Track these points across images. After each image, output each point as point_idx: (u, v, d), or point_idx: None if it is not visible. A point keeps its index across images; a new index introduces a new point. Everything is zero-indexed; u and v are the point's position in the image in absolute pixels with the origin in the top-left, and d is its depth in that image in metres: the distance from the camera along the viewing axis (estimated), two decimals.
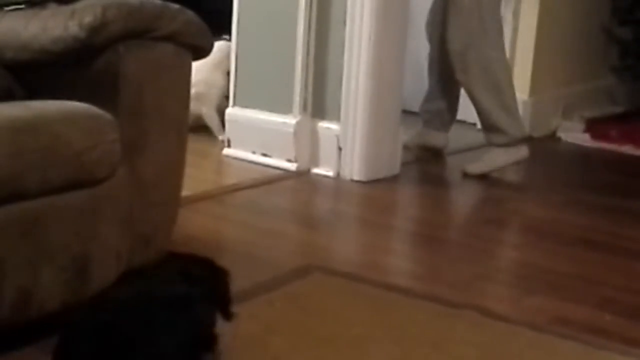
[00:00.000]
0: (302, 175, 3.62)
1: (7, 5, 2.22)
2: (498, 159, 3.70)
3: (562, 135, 4.59)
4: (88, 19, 2.06)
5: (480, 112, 3.73)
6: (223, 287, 1.90)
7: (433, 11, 3.95)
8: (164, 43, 2.18)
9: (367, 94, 3.54)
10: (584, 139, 4.47)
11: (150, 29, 2.14)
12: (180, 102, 2.31)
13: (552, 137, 4.60)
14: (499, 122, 3.66)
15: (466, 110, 4.73)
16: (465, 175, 3.70)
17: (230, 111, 3.82)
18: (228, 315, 1.89)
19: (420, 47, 4.43)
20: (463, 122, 4.77)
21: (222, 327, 1.86)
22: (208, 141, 3.95)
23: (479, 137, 4.54)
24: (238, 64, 3.81)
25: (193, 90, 3.55)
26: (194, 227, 2.86)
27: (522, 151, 3.71)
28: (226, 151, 3.78)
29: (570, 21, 4.60)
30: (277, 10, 3.67)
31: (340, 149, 3.60)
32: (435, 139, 4.09)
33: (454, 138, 4.45)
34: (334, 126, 3.60)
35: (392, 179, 3.67)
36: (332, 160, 3.61)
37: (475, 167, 3.72)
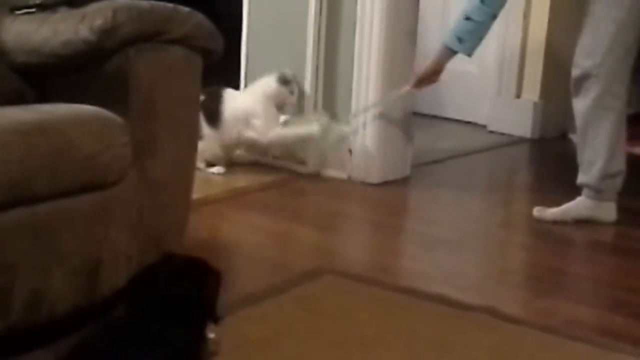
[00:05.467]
0: (313, 177, 3.62)
1: (19, 9, 2.23)
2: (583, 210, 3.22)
3: (573, 136, 4.57)
4: (98, 22, 2.06)
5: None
6: (209, 292, 1.87)
7: None
8: (174, 46, 2.18)
9: (378, 96, 3.54)
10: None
11: (161, 32, 2.14)
12: (191, 105, 2.31)
13: (563, 138, 4.59)
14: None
15: (476, 111, 4.75)
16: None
17: None
18: (215, 320, 1.87)
19: (429, 49, 4.43)
20: (474, 124, 4.78)
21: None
22: None
23: (489, 139, 4.55)
24: (248, 67, 3.81)
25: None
26: (205, 230, 2.86)
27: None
28: (237, 152, 3.78)
29: (580, 22, 4.58)
30: (288, 13, 3.68)
31: (350, 151, 3.60)
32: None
33: (465, 140, 4.46)
34: (344, 128, 3.60)
35: (403, 181, 3.67)
36: (343, 162, 3.61)
37: (550, 214, 3.23)
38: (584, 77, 3.10)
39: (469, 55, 3.32)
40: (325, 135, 3.58)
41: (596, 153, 3.14)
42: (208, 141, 3.52)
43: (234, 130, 3.58)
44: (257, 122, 3.57)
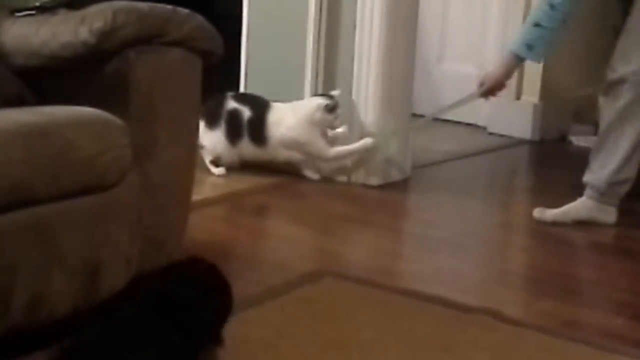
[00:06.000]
0: (314, 179, 3.61)
1: (18, 11, 2.23)
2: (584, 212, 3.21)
3: (573, 138, 4.58)
4: (98, 24, 2.06)
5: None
6: (213, 311, 1.85)
7: None
8: (174, 48, 2.18)
9: (377, 98, 3.54)
10: (595, 142, 4.45)
11: (160, 34, 2.14)
12: (190, 107, 2.31)
13: (563, 140, 4.60)
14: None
15: (476, 113, 4.74)
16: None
17: None
18: (216, 341, 1.82)
19: (428, 51, 4.44)
20: (474, 125, 4.77)
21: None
22: None
23: (489, 141, 4.55)
24: (248, 68, 3.82)
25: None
26: (205, 232, 2.86)
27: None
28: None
29: (580, 23, 4.57)
30: (288, 14, 3.68)
31: None
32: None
33: (465, 142, 4.46)
34: (344, 130, 3.59)
35: (403, 183, 3.66)
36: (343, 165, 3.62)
37: (550, 215, 3.23)
38: (620, 82, 3.07)
39: (539, 61, 3.25)
40: (382, 139, 3.54)
41: (611, 157, 3.12)
42: (229, 150, 3.57)
43: (282, 154, 3.57)
44: (310, 149, 3.55)
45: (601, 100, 3.15)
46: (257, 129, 3.54)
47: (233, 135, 3.55)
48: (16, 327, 1.85)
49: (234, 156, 3.59)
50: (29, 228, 1.83)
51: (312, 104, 3.52)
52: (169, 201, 2.24)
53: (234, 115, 3.54)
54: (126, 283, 2.08)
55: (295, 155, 3.57)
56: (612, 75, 3.10)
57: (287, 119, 3.55)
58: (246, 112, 3.54)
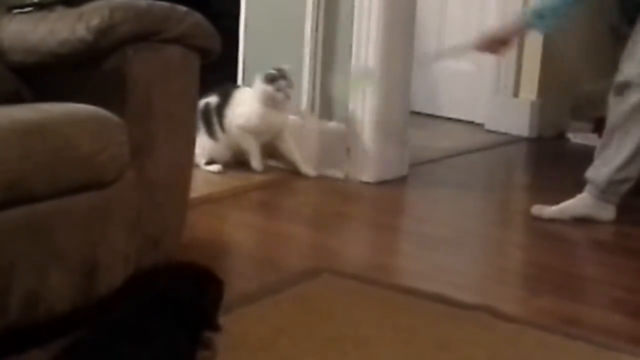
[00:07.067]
0: (310, 176, 3.61)
1: (16, 8, 2.23)
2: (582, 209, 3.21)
3: (571, 135, 4.59)
4: (95, 21, 2.06)
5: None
6: (211, 299, 1.88)
7: None
8: (171, 45, 2.18)
9: (375, 95, 3.54)
10: (593, 139, 4.45)
11: (158, 32, 2.14)
12: (188, 104, 2.31)
13: (561, 137, 4.60)
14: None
15: (473, 110, 4.75)
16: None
17: None
18: (214, 328, 1.88)
19: (427, 48, 4.44)
20: (472, 123, 4.78)
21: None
22: None
23: (487, 138, 4.55)
24: (246, 65, 3.81)
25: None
26: (203, 229, 2.86)
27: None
28: None
29: (578, 21, 4.58)
30: (285, 11, 3.68)
31: (348, 150, 3.60)
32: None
33: (462, 139, 4.46)
34: (341, 127, 3.60)
35: (401, 180, 3.66)
36: (340, 161, 3.61)
37: (548, 212, 3.23)
38: (626, 84, 3.07)
39: (544, 32, 3.15)
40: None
41: (615, 155, 3.12)
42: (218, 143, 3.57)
43: (238, 140, 3.59)
44: (261, 128, 3.56)
45: (610, 99, 3.16)
46: (218, 120, 3.57)
47: (210, 130, 3.55)
48: (14, 324, 1.85)
49: (222, 150, 3.58)
50: (26, 226, 1.83)
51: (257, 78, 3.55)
52: (166, 199, 2.24)
53: (206, 110, 3.55)
54: (124, 281, 2.08)
55: (248, 141, 3.58)
56: (619, 78, 3.11)
57: (241, 105, 3.58)
58: (213, 103, 3.56)
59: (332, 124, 3.63)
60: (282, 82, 3.51)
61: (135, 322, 1.75)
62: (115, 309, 1.86)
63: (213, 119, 3.55)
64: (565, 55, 4.62)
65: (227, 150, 3.60)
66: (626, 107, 3.08)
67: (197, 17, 2.23)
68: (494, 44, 3.23)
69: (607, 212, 3.16)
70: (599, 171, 3.15)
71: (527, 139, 4.57)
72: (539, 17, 3.12)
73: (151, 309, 1.77)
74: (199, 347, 1.83)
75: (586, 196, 3.18)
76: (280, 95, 3.52)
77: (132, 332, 1.72)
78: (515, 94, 4.64)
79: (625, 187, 3.15)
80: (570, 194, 3.21)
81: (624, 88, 3.08)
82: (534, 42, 4.48)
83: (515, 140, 4.54)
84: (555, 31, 3.16)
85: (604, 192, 3.15)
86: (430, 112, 4.86)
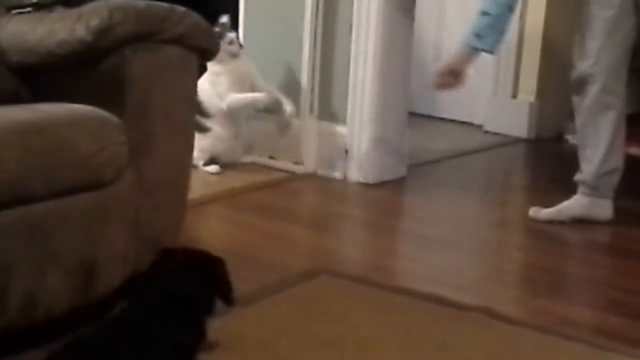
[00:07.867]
0: (309, 177, 3.62)
1: (15, 8, 2.23)
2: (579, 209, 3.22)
3: (569, 137, 4.59)
4: (94, 21, 2.06)
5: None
6: (220, 276, 1.90)
7: None
8: (170, 46, 2.18)
9: (374, 96, 3.54)
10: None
11: (157, 32, 2.14)
12: (187, 104, 2.31)
13: (559, 138, 4.60)
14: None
15: (472, 111, 4.75)
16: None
17: None
18: (229, 301, 1.91)
19: (425, 50, 4.44)
20: (470, 124, 4.78)
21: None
22: None
23: (485, 139, 4.55)
24: None
25: None
26: (201, 230, 2.86)
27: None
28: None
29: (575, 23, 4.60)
30: (284, 12, 3.68)
31: (347, 151, 3.60)
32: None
33: (461, 140, 4.46)
34: (340, 128, 3.60)
35: (399, 182, 3.67)
36: (339, 162, 3.62)
37: (545, 214, 3.23)
38: (581, 78, 3.11)
39: (492, 52, 3.18)
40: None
41: (594, 150, 3.14)
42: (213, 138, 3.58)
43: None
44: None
45: (574, 100, 3.18)
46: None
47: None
48: (12, 325, 1.85)
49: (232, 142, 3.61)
50: (24, 226, 1.83)
51: None
52: (165, 199, 2.24)
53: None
54: (122, 281, 2.08)
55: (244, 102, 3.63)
56: (573, 74, 3.15)
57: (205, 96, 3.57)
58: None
59: (331, 125, 3.63)
60: (229, 35, 3.57)
61: (136, 322, 1.75)
62: (116, 309, 1.86)
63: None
64: (564, 57, 4.61)
65: (238, 140, 3.66)
66: (589, 101, 3.11)
67: (196, 17, 2.23)
68: (449, 78, 3.25)
69: (604, 209, 3.17)
70: (586, 170, 3.17)
71: (525, 140, 4.57)
72: (477, 38, 3.11)
73: (152, 308, 1.77)
74: (200, 345, 1.83)
75: (581, 197, 3.19)
76: (234, 47, 3.59)
77: (133, 333, 1.72)
78: (514, 95, 4.65)
79: (616, 178, 3.16)
80: (568, 195, 3.21)
81: (582, 84, 3.11)
82: (533, 43, 4.49)
83: (513, 141, 4.55)
84: (498, 47, 3.17)
85: (596, 188, 3.16)
86: (428, 113, 4.86)
